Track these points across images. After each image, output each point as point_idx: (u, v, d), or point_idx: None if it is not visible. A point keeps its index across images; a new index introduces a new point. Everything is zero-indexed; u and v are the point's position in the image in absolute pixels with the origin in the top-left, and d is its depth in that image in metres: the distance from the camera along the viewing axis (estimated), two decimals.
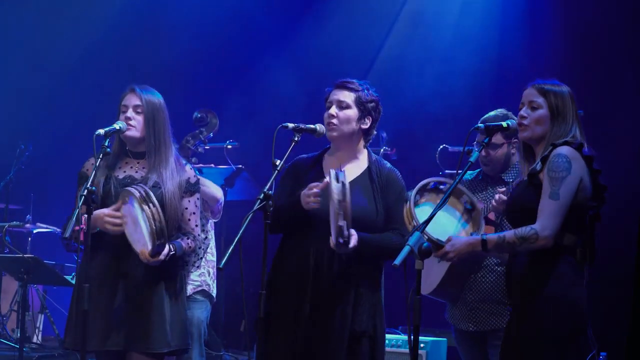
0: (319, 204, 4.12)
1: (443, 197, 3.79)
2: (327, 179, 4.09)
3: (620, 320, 5.55)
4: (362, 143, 4.40)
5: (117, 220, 4.24)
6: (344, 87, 4.35)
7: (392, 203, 4.29)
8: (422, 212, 3.92)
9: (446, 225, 4.02)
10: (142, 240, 4.18)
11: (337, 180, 3.94)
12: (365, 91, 4.34)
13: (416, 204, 4.02)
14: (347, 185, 3.94)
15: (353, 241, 4.07)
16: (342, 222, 3.94)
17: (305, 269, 4.23)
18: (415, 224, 3.89)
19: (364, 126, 4.35)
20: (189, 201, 4.44)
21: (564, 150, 3.78)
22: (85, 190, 4.10)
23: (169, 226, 4.32)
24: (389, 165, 4.44)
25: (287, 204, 4.28)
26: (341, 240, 4.00)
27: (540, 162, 3.81)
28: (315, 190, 4.11)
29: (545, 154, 3.81)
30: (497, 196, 4.26)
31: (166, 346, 4.33)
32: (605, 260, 4.12)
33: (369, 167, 4.36)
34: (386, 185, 4.31)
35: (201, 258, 5.59)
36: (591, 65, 7.14)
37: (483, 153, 4.72)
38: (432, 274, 4.57)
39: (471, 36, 7.89)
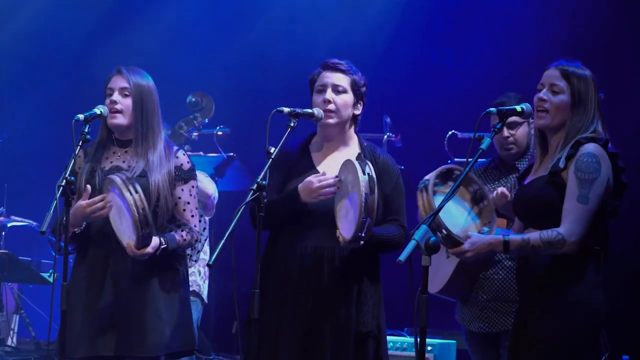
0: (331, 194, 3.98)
1: (452, 187, 3.60)
2: (327, 173, 3.99)
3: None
4: (352, 129, 4.24)
5: (99, 204, 4.04)
6: (337, 69, 4.15)
7: (389, 192, 4.14)
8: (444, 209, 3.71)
9: (457, 217, 3.86)
10: (127, 232, 4.01)
11: (364, 172, 3.83)
12: (358, 74, 4.18)
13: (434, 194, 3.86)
14: (375, 178, 3.83)
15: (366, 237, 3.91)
16: (366, 217, 3.81)
17: (303, 269, 4.04)
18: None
19: (357, 112, 4.20)
20: (182, 190, 4.25)
21: (592, 148, 3.65)
22: (64, 180, 3.88)
23: (160, 218, 4.17)
24: (382, 151, 4.30)
25: (281, 198, 4.09)
26: (360, 234, 3.83)
27: (564, 160, 3.65)
28: (330, 181, 3.96)
29: (570, 151, 3.65)
30: (499, 189, 4.22)
31: (164, 348, 4.15)
32: (623, 260, 4.06)
33: (361, 155, 4.16)
34: (382, 173, 4.13)
35: (199, 252, 5.54)
36: (593, 62, 7.07)
37: (505, 134, 4.57)
38: (440, 270, 4.43)
39: (480, 18, 7.84)
